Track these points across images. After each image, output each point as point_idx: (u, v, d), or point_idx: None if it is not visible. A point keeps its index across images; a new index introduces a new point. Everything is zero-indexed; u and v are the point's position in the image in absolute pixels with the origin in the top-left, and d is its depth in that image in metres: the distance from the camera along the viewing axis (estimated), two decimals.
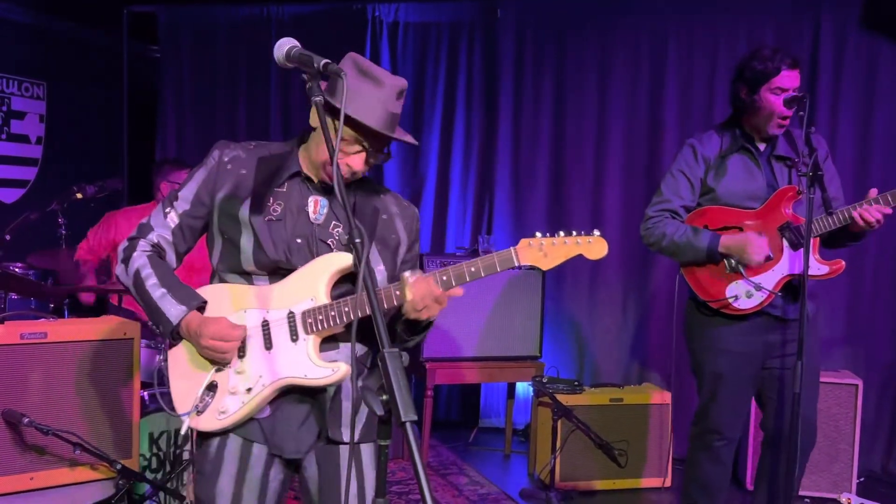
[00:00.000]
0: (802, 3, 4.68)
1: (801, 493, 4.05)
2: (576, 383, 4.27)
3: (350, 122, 1.80)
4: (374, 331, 1.93)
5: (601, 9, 5.06)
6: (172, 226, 1.98)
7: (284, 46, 1.65)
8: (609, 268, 5.05)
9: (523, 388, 4.97)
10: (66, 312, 3.87)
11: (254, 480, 1.95)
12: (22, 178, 5.17)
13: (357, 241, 1.51)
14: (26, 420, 2.98)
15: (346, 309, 1.87)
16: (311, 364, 1.89)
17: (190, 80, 5.61)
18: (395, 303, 1.88)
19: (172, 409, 1.99)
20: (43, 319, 3.38)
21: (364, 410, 2.02)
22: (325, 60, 1.57)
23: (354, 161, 1.89)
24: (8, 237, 3.86)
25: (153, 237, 1.98)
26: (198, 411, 1.93)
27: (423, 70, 5.37)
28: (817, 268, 2.88)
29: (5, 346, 3.06)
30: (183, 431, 1.98)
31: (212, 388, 1.94)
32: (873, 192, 2.83)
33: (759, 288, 2.90)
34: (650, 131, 4.97)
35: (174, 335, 1.95)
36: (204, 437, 1.98)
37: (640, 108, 5.00)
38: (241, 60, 5.50)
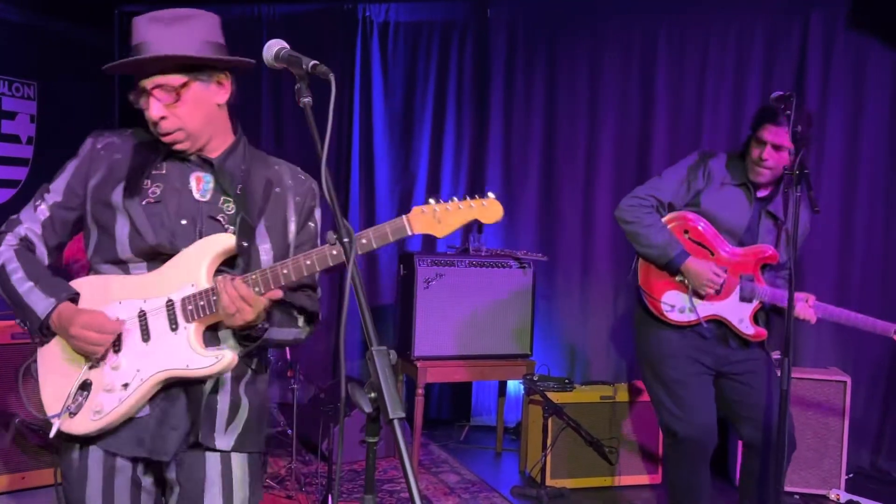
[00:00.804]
0: (792, 2, 4.71)
1: (790, 489, 4.09)
2: (566, 381, 4.30)
3: (116, 69, 1.79)
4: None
5: (592, 7, 5.08)
6: (42, 218, 1.87)
7: (273, 48, 1.65)
8: (600, 267, 5.08)
9: (514, 386, 4.99)
10: None
11: (123, 486, 1.82)
12: (13, 179, 5.16)
13: (346, 240, 1.47)
14: (17, 420, 2.99)
15: None
16: (192, 353, 1.76)
17: None
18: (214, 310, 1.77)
19: (42, 412, 1.82)
20: None
21: (242, 416, 1.88)
22: (313, 62, 1.56)
23: (150, 109, 1.77)
24: None
25: (21, 230, 1.87)
26: (70, 413, 1.78)
27: (414, 69, 5.39)
28: (746, 326, 3.05)
29: None
30: (52, 435, 1.79)
31: (85, 387, 1.79)
32: (811, 298, 3.08)
33: (692, 310, 3.03)
34: (641, 130, 5.00)
35: (44, 330, 1.81)
36: (66, 443, 1.84)
37: (631, 108, 5.02)
38: None
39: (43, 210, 1.88)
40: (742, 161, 3.08)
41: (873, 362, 4.61)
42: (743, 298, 3.04)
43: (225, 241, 1.80)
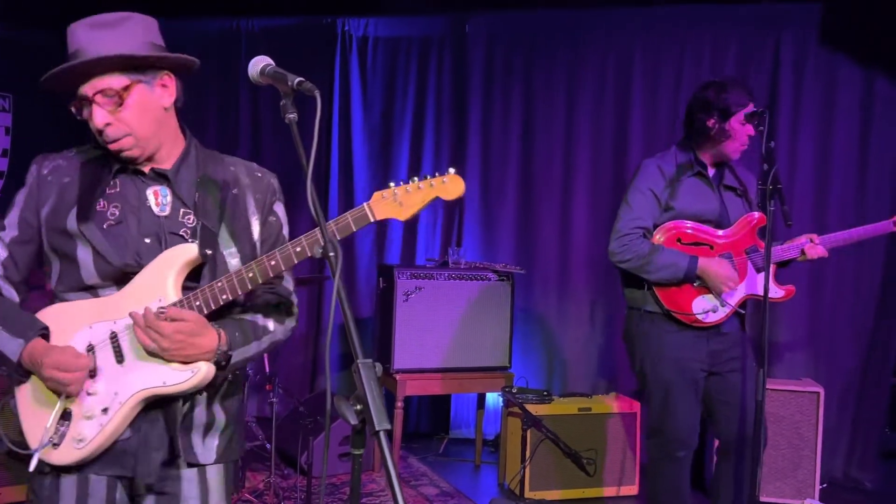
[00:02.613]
0: (764, 21, 4.80)
1: (764, 499, 4.13)
2: (545, 393, 4.32)
3: (52, 81, 1.75)
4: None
5: (569, 23, 5.15)
6: (2, 257, 1.82)
7: (259, 64, 1.65)
8: (578, 279, 5.13)
9: (493, 398, 5.01)
10: None
11: None
12: None
13: (331, 254, 1.48)
14: None
15: (198, 303, 1.73)
16: (167, 369, 1.71)
17: None
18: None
19: (25, 447, 1.76)
20: None
21: (217, 429, 1.86)
22: (298, 78, 1.56)
23: (94, 117, 1.74)
24: None
25: None
26: (53, 444, 1.73)
27: (393, 84, 5.42)
28: (774, 291, 3.08)
29: None
30: (31, 468, 1.73)
31: (66, 416, 1.74)
32: (815, 236, 3.15)
33: (724, 304, 3.07)
34: (617, 145, 5.07)
35: (20, 370, 1.76)
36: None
37: (606, 122, 5.09)
38: (211, 74, 5.49)
39: (0, 250, 1.83)
40: (690, 151, 3.12)
41: (846, 373, 4.68)
42: (759, 269, 3.11)
43: (188, 252, 1.76)
